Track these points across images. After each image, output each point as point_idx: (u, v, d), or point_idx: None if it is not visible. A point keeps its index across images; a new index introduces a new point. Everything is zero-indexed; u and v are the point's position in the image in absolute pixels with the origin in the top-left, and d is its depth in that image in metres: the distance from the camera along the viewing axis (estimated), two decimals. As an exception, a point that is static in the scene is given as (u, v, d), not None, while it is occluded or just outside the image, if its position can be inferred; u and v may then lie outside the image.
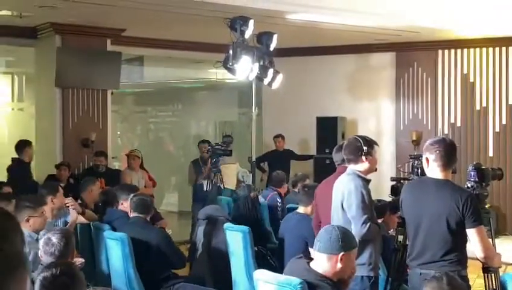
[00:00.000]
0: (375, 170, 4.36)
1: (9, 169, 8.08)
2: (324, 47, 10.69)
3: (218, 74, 11.69)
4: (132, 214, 5.34)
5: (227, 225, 5.45)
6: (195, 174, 8.82)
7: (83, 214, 5.50)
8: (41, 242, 3.71)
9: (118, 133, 12.58)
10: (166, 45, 9.98)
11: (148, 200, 5.38)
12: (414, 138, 10.20)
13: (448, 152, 3.76)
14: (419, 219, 3.83)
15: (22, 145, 8.18)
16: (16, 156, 8.16)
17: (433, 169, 3.79)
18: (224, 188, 8.22)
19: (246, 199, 6.58)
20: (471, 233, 3.66)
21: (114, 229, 5.39)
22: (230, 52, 7.31)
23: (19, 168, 7.99)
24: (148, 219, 5.35)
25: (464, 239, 3.74)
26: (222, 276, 5.40)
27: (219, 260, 5.48)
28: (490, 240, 4.14)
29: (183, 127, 13.92)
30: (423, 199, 3.82)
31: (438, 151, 3.75)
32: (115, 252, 5.05)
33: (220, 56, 8.03)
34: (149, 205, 5.33)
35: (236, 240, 5.27)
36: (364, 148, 4.22)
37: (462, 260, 3.75)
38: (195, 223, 8.56)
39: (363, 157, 4.23)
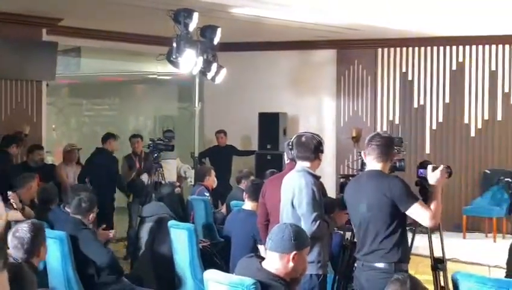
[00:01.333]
0: None
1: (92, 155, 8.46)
2: (267, 42, 10.65)
3: (159, 68, 11.47)
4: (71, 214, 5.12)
5: (171, 222, 5.30)
6: (129, 170, 8.59)
7: (22, 210, 5.23)
8: (9, 236, 3.49)
9: (53, 126, 12.17)
10: (106, 36, 9.69)
11: (84, 200, 5.09)
12: (354, 135, 10.31)
13: (382, 145, 3.82)
14: (358, 212, 3.86)
15: (106, 137, 8.61)
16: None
17: (369, 162, 3.88)
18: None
19: (172, 196, 6.45)
20: (412, 212, 3.68)
21: (52, 227, 5.15)
22: (174, 45, 7.14)
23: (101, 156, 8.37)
24: (86, 219, 5.06)
25: (402, 230, 3.74)
26: (165, 275, 5.26)
27: (163, 259, 5.32)
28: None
29: (120, 121, 13.61)
30: (359, 192, 3.87)
31: (370, 145, 3.84)
32: (53, 251, 4.82)
33: (162, 49, 7.86)
34: (83, 207, 5.05)
35: (181, 238, 5.13)
36: (322, 145, 4.22)
37: (401, 252, 3.74)
38: (132, 220, 8.37)
39: (319, 154, 4.22)
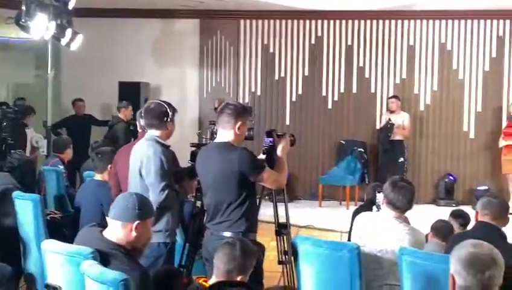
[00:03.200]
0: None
1: None
2: (129, 10, 10.39)
3: (12, 32, 10.82)
4: None
5: (16, 193, 5.06)
6: None
7: None
8: None
9: None
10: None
11: None
12: (216, 106, 10.30)
13: (231, 114, 3.83)
14: (208, 182, 3.90)
15: None
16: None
17: (219, 132, 3.89)
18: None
19: (22, 166, 6.19)
20: (261, 179, 3.79)
21: None
22: (23, 8, 6.75)
23: None
24: None
25: (250, 201, 3.82)
26: (10, 248, 5.02)
27: (7, 232, 5.08)
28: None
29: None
30: (208, 163, 3.89)
31: (220, 115, 3.86)
32: None
33: (11, 12, 7.42)
34: None
35: (26, 209, 4.91)
36: (170, 113, 4.17)
37: (249, 222, 3.81)
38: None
39: (167, 123, 4.17)
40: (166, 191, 4.05)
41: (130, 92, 10.11)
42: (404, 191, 3.74)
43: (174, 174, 4.29)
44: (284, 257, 4.19)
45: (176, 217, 4.32)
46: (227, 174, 3.74)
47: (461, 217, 5.12)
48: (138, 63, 10.62)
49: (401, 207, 3.74)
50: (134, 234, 3.14)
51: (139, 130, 4.81)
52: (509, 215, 3.85)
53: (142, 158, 4.15)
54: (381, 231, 3.70)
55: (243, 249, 3.02)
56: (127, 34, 10.66)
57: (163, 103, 4.27)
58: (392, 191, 3.74)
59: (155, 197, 4.01)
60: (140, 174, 4.15)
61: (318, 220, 9.10)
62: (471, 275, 2.26)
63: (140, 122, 4.70)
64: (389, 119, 10.04)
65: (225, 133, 3.85)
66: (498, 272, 2.28)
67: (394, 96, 10.27)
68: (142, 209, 3.18)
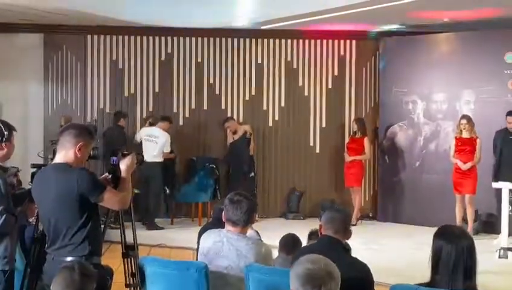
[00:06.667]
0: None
1: None
2: (-38, 22, 9.75)
3: None
4: None
5: None
6: None
7: None
8: None
9: None
10: None
11: None
12: (63, 123, 9.96)
13: (70, 133, 3.69)
14: (46, 206, 3.71)
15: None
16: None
17: (58, 154, 3.73)
18: None
19: None
20: (102, 200, 3.63)
21: None
22: None
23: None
24: None
25: (93, 223, 3.68)
26: None
27: None
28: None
29: None
30: (45, 186, 3.71)
31: (60, 135, 3.70)
32: None
33: None
34: None
35: None
36: (5, 133, 3.95)
37: (92, 245, 3.65)
38: None
39: (3, 144, 3.95)
40: (3, 216, 3.83)
41: (-33, 110, 9.47)
42: (241, 205, 3.77)
43: (13, 197, 4.06)
44: (131, 280, 4.08)
45: (15, 242, 4.09)
46: (66, 196, 3.58)
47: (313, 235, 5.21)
48: (-25, 79, 9.99)
49: (239, 222, 3.76)
50: (-34, 264, 2.92)
51: None
52: (351, 228, 3.99)
53: (-24, 182, 3.89)
54: (226, 248, 3.72)
55: (82, 272, 2.89)
56: (-37, 49, 10.00)
57: None
58: (229, 208, 3.77)
59: (-9, 223, 3.77)
60: (-25, 199, 3.88)
61: (170, 238, 9.04)
62: (309, 291, 2.32)
63: None
64: (246, 132, 10.24)
65: (64, 154, 3.68)
66: (334, 286, 2.36)
67: (225, 121, 10.40)
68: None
